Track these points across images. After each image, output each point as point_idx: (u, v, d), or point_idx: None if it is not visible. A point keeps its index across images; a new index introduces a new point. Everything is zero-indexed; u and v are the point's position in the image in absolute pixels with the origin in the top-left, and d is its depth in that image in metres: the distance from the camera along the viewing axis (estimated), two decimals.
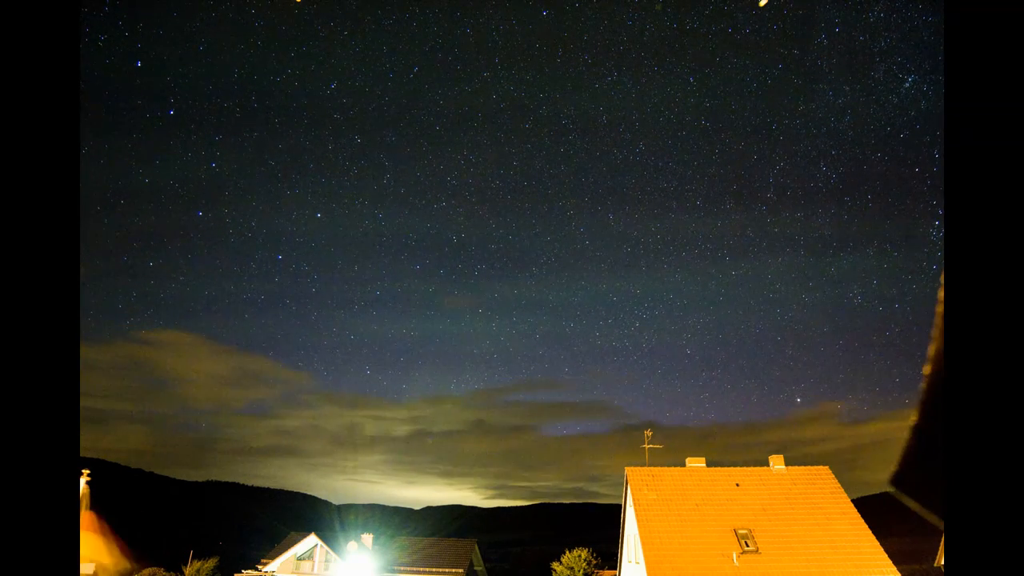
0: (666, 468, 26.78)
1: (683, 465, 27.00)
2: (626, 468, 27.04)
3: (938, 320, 2.23)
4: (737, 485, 25.57)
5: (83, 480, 21.99)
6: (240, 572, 41.74)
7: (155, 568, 41.33)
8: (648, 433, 29.38)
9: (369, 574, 37.91)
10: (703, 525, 23.53)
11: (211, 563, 42.21)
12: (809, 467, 26.48)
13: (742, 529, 23.15)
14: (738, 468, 26.74)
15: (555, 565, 38.81)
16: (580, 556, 38.17)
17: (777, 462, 26.58)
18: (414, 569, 39.33)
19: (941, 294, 2.21)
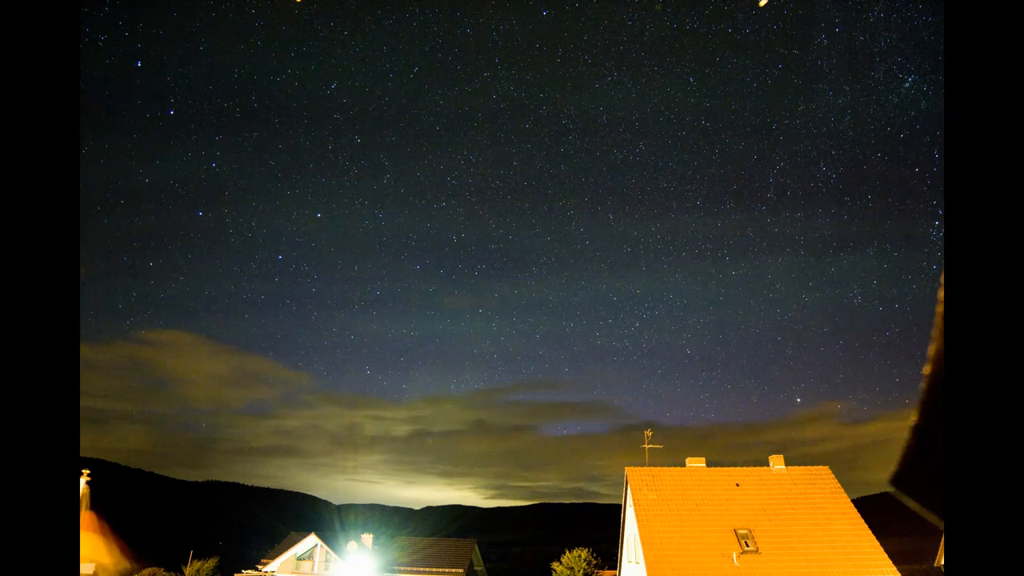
0: (666, 468, 26.78)
1: (683, 465, 27.00)
2: (626, 468, 27.04)
3: (938, 320, 2.23)
4: (737, 485, 25.57)
5: (83, 480, 21.99)
6: (240, 572, 41.74)
7: (155, 568, 41.32)
8: (648, 433, 29.40)
9: (369, 574, 37.91)
10: (703, 525, 23.53)
11: (211, 563, 42.21)
12: (809, 467, 26.49)
13: (742, 529, 23.15)
14: (738, 468, 26.75)
15: (555, 565, 38.81)
16: (580, 556, 38.16)
17: (777, 462, 26.58)
18: (414, 569, 39.33)
19: (941, 294, 2.21)
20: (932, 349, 2.27)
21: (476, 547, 43.85)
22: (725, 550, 22.28)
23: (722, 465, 27.02)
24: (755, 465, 26.85)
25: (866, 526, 23.17)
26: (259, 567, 40.18)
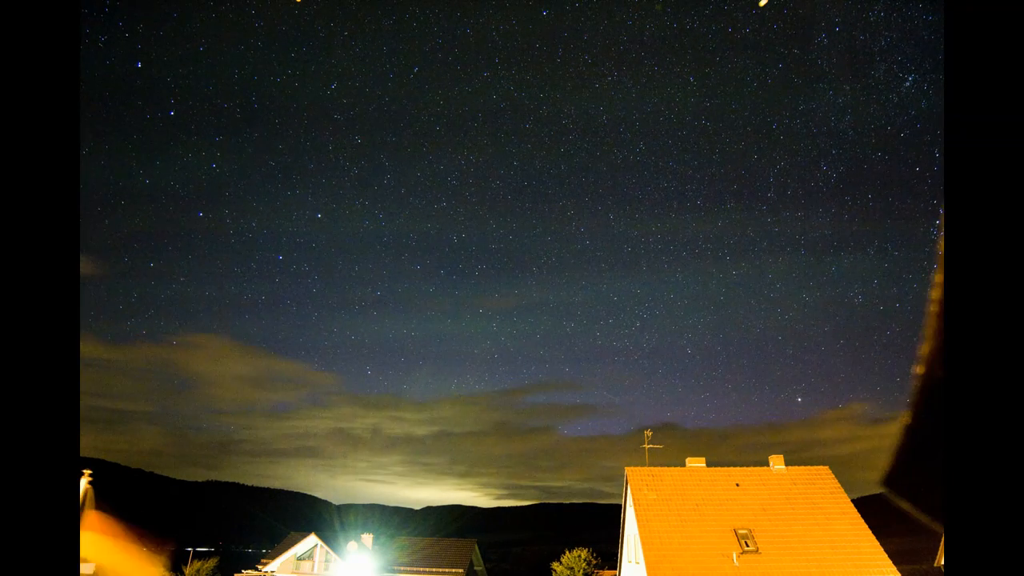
0: (666, 468, 26.77)
1: (683, 465, 26.99)
2: (626, 468, 27.03)
3: (930, 320, 2.23)
4: (737, 485, 25.57)
5: (85, 480, 21.99)
6: (240, 572, 41.73)
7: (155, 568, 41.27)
8: (648, 433, 29.38)
9: (369, 574, 37.90)
10: (703, 525, 23.52)
11: (211, 563, 42.21)
12: (809, 467, 26.48)
13: (742, 529, 23.14)
14: (738, 468, 26.74)
15: (555, 565, 38.80)
16: (580, 556, 38.15)
17: (777, 462, 26.57)
18: (414, 569, 39.31)
19: (934, 294, 2.21)
20: (924, 349, 2.27)
21: (476, 547, 43.84)
22: (725, 550, 22.28)
23: (722, 465, 27.04)
24: (755, 465, 26.86)
25: (866, 526, 23.16)
26: (259, 567, 40.17)
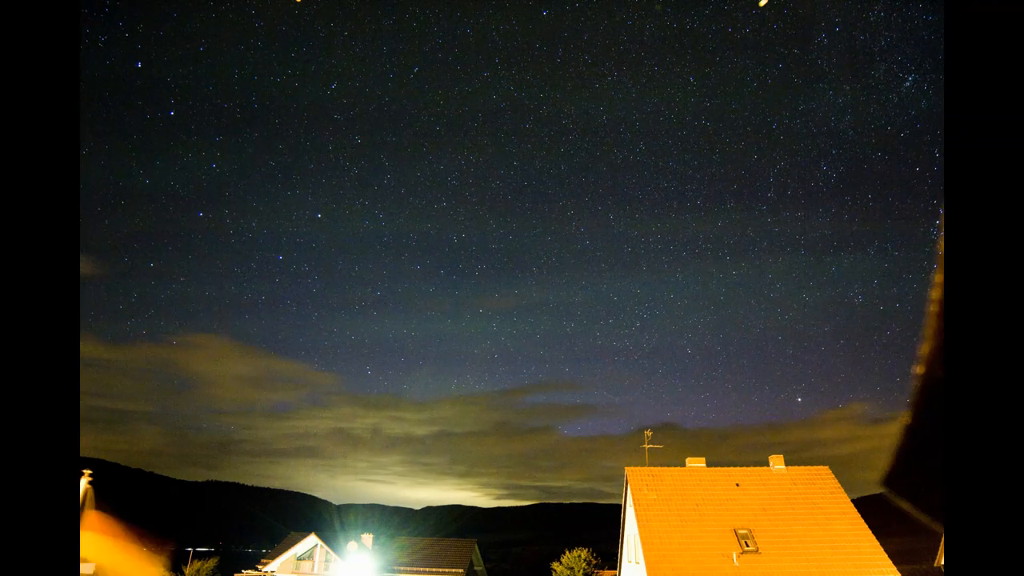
0: (666, 468, 26.77)
1: (683, 465, 26.99)
2: (626, 468, 27.03)
3: (930, 320, 2.23)
4: (737, 485, 25.56)
5: (85, 480, 21.99)
6: (240, 572, 41.73)
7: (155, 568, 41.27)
8: (648, 433, 29.38)
9: (369, 574, 37.90)
10: (703, 525, 23.52)
11: (211, 563, 42.21)
12: (809, 467, 26.47)
13: (742, 529, 23.14)
14: (738, 468, 26.74)
15: (555, 565, 38.80)
16: (580, 556, 38.15)
17: (777, 462, 26.57)
18: (414, 569, 39.31)
19: (934, 294, 2.21)
20: (924, 349, 2.27)
21: (476, 547, 43.84)
22: (725, 550, 22.28)
23: (722, 465, 27.04)
24: (755, 465, 26.86)
25: (866, 526, 23.16)
26: (259, 567, 40.16)
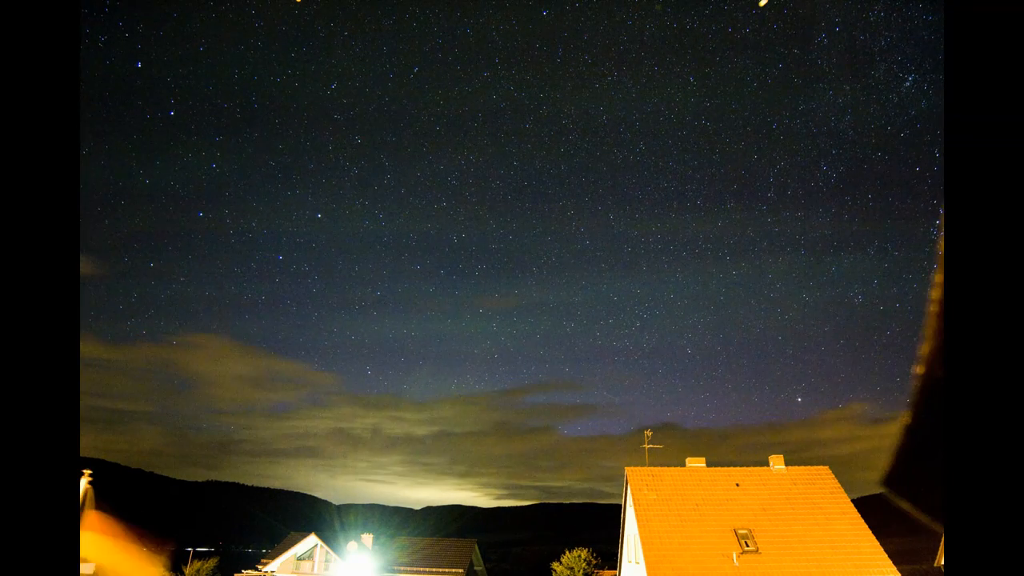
0: (666, 468, 26.76)
1: (683, 465, 26.99)
2: (626, 468, 27.03)
3: (930, 320, 2.23)
4: (737, 485, 25.56)
5: (85, 480, 21.99)
6: (240, 572, 41.73)
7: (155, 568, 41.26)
8: (648, 433, 29.38)
9: (369, 574, 37.90)
10: (703, 525, 23.51)
11: (211, 563, 42.21)
12: (809, 467, 26.47)
13: (742, 529, 23.14)
14: (738, 468, 26.73)
15: (555, 565, 38.79)
16: (580, 556, 38.14)
17: (777, 462, 26.57)
18: (414, 569, 39.31)
19: (934, 294, 2.21)
20: (924, 349, 2.27)
21: (476, 547, 43.83)
22: (725, 550, 22.27)
23: (722, 465, 27.03)
24: (755, 465, 26.85)
25: (866, 526, 23.16)
26: (259, 567, 40.16)
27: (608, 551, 40.55)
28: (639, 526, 23.86)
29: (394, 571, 39.13)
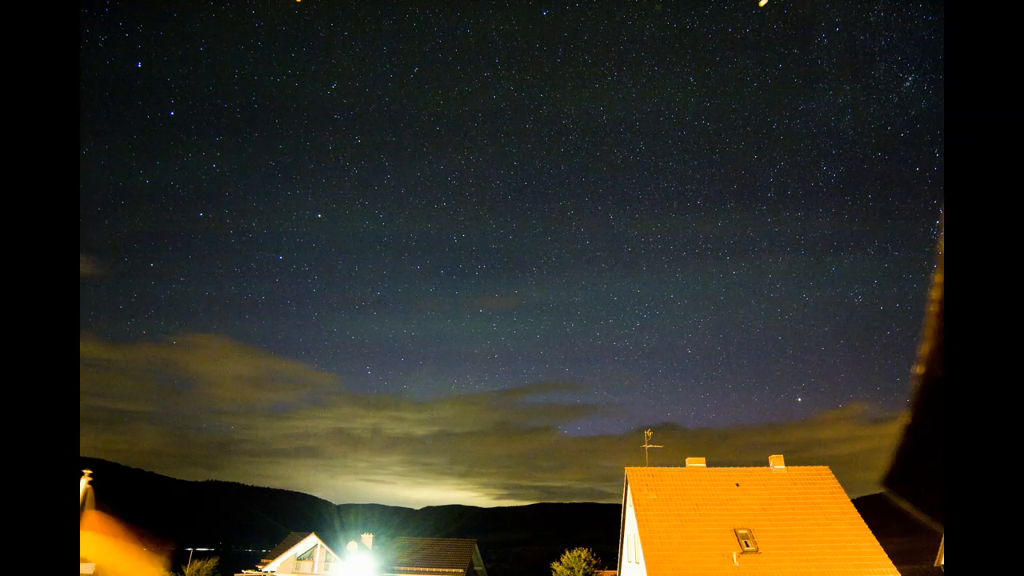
0: (666, 468, 26.76)
1: (683, 465, 26.98)
2: (626, 468, 27.02)
3: (930, 320, 2.23)
4: (737, 485, 25.56)
5: (85, 480, 21.99)
6: (240, 572, 41.72)
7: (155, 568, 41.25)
8: (648, 433, 29.37)
9: (369, 574, 37.89)
10: (703, 525, 23.51)
11: (211, 563, 42.20)
12: (809, 467, 26.46)
13: (742, 529, 23.13)
14: (738, 468, 26.72)
15: (555, 565, 38.79)
16: (580, 556, 38.14)
17: (777, 462, 26.56)
18: (414, 569, 39.30)
19: (934, 294, 2.21)
20: (924, 349, 2.27)
21: (476, 547, 43.82)
22: (725, 550, 22.27)
23: (722, 465, 27.02)
24: (755, 465, 26.84)
25: (866, 526, 23.15)
26: (259, 567, 40.15)
27: (608, 551, 40.53)
28: (639, 526, 23.86)
29: (394, 571, 39.12)
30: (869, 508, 23.84)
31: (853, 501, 24.58)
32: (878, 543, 22.38)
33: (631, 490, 25.83)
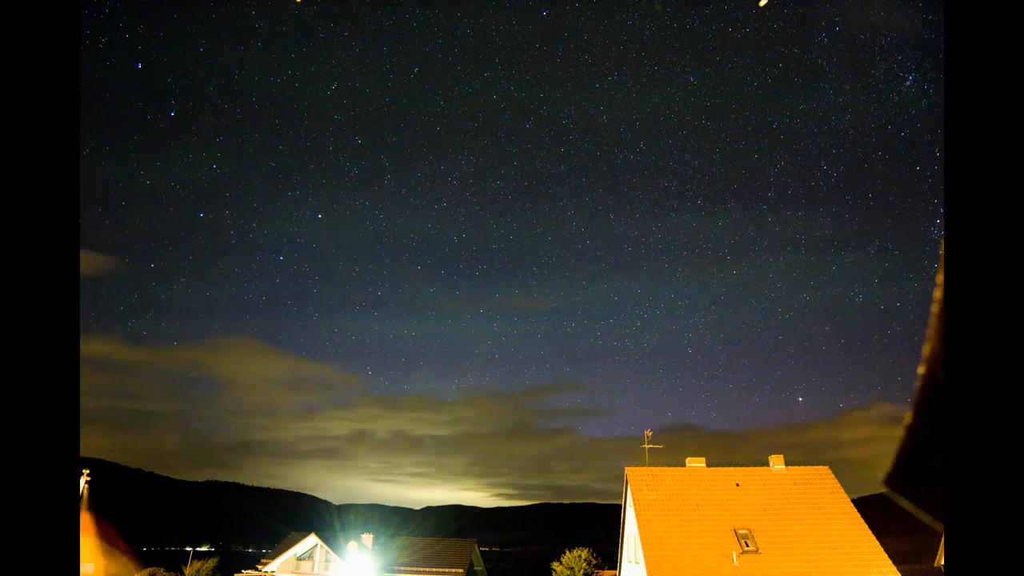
0: (666, 468, 26.75)
1: (683, 465, 26.98)
2: (626, 468, 27.02)
3: (933, 320, 2.23)
4: (737, 485, 25.55)
5: (83, 480, 21.98)
6: (240, 572, 41.72)
7: (155, 568, 41.28)
8: (648, 433, 29.37)
9: (369, 574, 37.89)
10: (703, 525, 23.51)
11: (211, 563, 42.21)
12: (809, 467, 26.46)
13: (742, 529, 23.13)
14: (738, 468, 26.72)
15: (555, 565, 38.81)
16: (580, 556, 38.15)
17: (777, 462, 26.56)
18: (414, 569, 39.30)
19: (937, 294, 2.21)
20: (927, 348, 2.26)
21: (476, 547, 43.83)
22: (725, 550, 22.27)
23: (723, 465, 27.02)
24: (755, 465, 26.84)
25: (866, 526, 23.16)
26: (259, 567, 40.15)
27: (608, 551, 40.53)
28: (639, 526, 23.86)
29: (394, 571, 39.13)
30: (869, 508, 23.86)
31: (853, 501, 24.59)
32: (878, 543, 22.38)
33: (631, 490, 25.83)
